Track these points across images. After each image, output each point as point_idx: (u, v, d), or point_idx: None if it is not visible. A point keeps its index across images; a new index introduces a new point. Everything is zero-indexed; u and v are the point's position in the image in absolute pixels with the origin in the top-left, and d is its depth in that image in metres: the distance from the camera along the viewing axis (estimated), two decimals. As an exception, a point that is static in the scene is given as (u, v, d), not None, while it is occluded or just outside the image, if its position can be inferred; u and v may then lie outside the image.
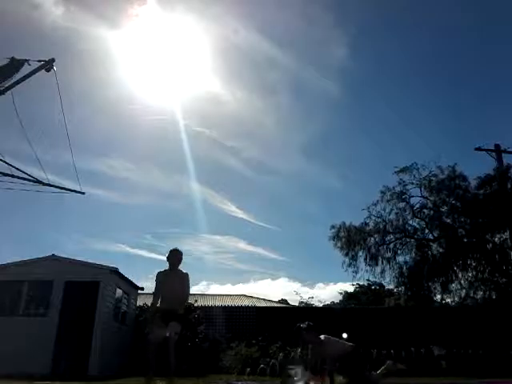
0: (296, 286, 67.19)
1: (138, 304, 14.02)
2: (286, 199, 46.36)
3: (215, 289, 40.05)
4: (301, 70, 35.51)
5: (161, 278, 5.04)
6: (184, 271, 5.15)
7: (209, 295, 20.94)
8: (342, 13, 34.52)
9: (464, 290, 17.53)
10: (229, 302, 17.63)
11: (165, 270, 5.12)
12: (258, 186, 43.83)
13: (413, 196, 18.18)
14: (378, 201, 18.33)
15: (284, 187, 43.83)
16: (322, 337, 5.43)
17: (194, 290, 34.14)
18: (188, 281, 5.11)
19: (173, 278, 4.98)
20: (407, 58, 37.66)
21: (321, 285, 52.05)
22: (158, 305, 5.08)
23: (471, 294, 17.45)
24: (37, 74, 10.71)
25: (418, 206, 18.20)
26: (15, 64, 10.35)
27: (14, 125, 10.69)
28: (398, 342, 12.98)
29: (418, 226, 18.35)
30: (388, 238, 18.39)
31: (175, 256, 5.11)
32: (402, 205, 18.19)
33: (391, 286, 20.01)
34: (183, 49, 30.17)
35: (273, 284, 47.34)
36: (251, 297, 21.36)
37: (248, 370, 11.60)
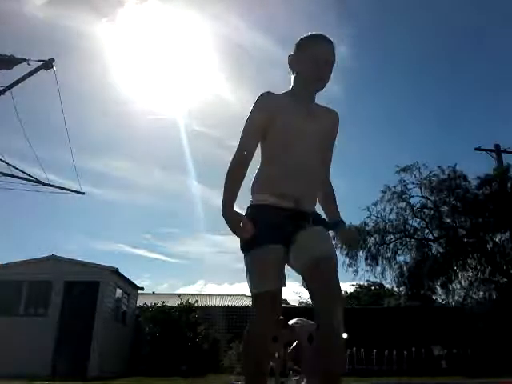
0: (294, 285, 67.21)
1: (138, 304, 14.02)
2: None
3: (212, 288, 40.04)
4: (301, 70, 35.47)
5: (274, 111, 1.85)
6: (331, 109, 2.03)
7: (209, 295, 20.94)
8: (344, 11, 34.51)
9: (464, 290, 17.52)
10: (229, 302, 17.61)
11: (280, 96, 1.93)
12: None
13: (413, 196, 18.16)
14: (378, 200, 18.32)
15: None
16: (290, 322, 5.30)
17: (191, 289, 34.21)
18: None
19: (310, 124, 1.90)
20: (408, 57, 37.66)
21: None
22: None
23: (471, 294, 17.43)
24: (37, 73, 10.72)
25: (418, 205, 18.19)
26: (14, 60, 10.35)
27: (13, 125, 10.69)
28: (398, 342, 12.97)
29: (418, 226, 18.34)
30: (388, 237, 18.38)
31: (326, 53, 1.88)
32: (402, 204, 18.17)
33: (391, 286, 19.99)
34: (183, 48, 30.14)
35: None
36: (251, 297, 21.32)
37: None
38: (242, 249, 1.82)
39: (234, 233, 1.73)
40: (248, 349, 1.88)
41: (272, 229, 1.76)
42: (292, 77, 1.96)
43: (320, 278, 1.68)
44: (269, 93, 1.89)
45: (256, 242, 1.74)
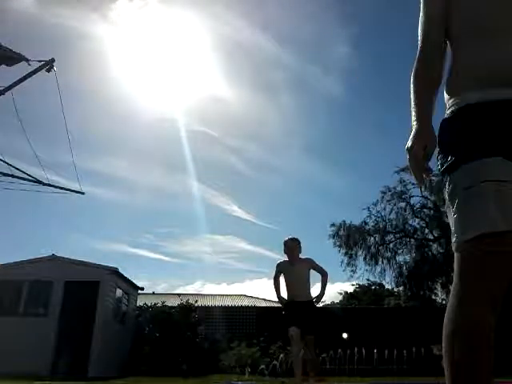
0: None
1: (138, 304, 14.03)
2: (286, 198, 46.37)
3: (211, 288, 40.07)
4: (303, 69, 35.47)
5: None
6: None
7: (209, 295, 20.96)
8: (345, 11, 34.52)
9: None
10: (229, 302, 17.63)
11: None
12: (259, 185, 43.85)
13: (413, 196, 18.24)
14: (378, 200, 18.36)
15: (285, 186, 43.80)
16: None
17: (190, 289, 34.21)
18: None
19: None
20: (409, 57, 37.60)
21: (319, 285, 51.95)
22: None
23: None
24: (37, 73, 10.72)
25: (418, 205, 18.24)
26: (15, 57, 10.34)
27: (14, 124, 10.70)
28: (398, 342, 12.98)
29: (417, 226, 18.41)
30: (388, 237, 18.44)
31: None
32: (402, 204, 18.25)
33: (391, 286, 20.04)
34: (183, 47, 30.16)
35: (269, 283, 47.20)
36: (251, 297, 21.37)
37: (248, 370, 11.61)
38: (449, 166, 1.18)
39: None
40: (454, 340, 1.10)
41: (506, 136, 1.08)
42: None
43: None
44: None
45: (478, 152, 1.09)
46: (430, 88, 1.31)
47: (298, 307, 4.70)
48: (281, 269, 4.91)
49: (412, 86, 1.33)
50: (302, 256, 4.91)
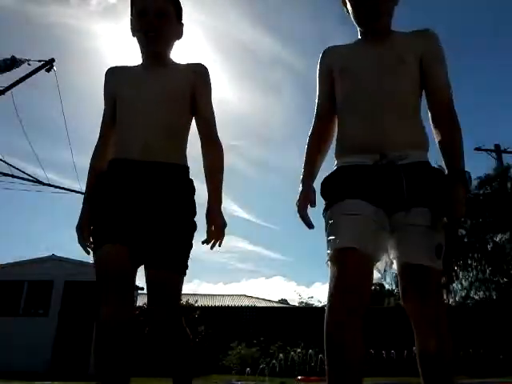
0: (291, 285, 67.31)
1: (137, 304, 14.03)
2: (287, 198, 46.40)
3: (207, 288, 40.12)
4: (305, 68, 35.51)
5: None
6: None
7: (208, 295, 20.97)
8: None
9: (465, 290, 17.55)
10: (228, 302, 17.64)
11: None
12: (259, 185, 43.89)
13: (412, 196, 18.24)
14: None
15: (285, 186, 43.85)
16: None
17: (186, 289, 34.13)
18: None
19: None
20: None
21: (318, 284, 52.05)
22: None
23: (472, 294, 17.46)
24: (37, 73, 10.72)
25: (418, 206, 18.25)
26: (15, 63, 10.38)
27: (14, 124, 10.73)
28: (398, 342, 12.98)
29: (417, 226, 18.39)
30: (388, 237, 18.44)
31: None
32: (402, 205, 18.24)
33: (391, 287, 20.01)
34: (184, 47, 30.18)
35: (267, 283, 47.34)
36: (251, 297, 21.37)
37: (248, 370, 11.61)
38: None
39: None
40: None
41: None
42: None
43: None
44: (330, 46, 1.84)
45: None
46: (313, 158, 1.73)
47: (138, 178, 1.72)
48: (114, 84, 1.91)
49: (306, 150, 1.72)
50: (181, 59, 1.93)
